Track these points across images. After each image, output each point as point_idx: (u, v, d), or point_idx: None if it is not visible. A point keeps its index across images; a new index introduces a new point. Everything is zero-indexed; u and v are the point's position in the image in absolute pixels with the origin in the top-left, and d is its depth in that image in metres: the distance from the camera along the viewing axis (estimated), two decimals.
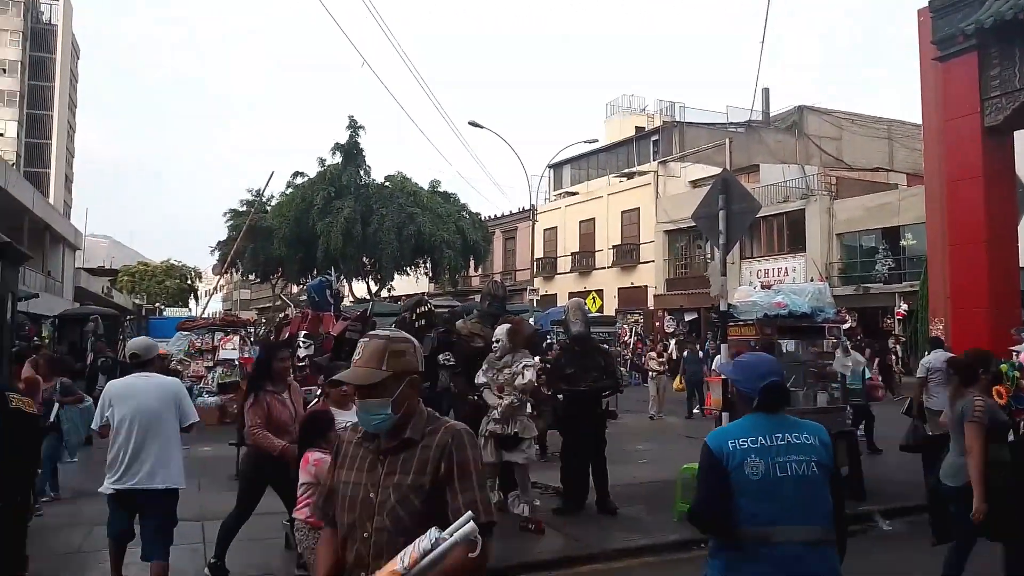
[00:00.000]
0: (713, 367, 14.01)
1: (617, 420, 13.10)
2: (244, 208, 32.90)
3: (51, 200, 56.42)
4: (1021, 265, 15.54)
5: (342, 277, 28.41)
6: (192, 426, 5.18)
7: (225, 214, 34.68)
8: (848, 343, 9.70)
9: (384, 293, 31.74)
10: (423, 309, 7.14)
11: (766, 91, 37.40)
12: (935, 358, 10.17)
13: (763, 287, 10.25)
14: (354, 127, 30.96)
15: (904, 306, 25.84)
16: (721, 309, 8.40)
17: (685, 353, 18.55)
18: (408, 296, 35.32)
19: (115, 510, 5.01)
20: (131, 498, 4.88)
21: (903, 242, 27.66)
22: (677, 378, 18.48)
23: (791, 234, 30.78)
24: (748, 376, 3.13)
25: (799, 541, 2.88)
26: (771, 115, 37.67)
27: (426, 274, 34.09)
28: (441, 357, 7.00)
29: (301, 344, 6.89)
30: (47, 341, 20.31)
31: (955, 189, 15.74)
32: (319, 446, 4.48)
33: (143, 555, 4.96)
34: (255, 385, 5.61)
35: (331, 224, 28.80)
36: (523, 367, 6.76)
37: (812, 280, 22.46)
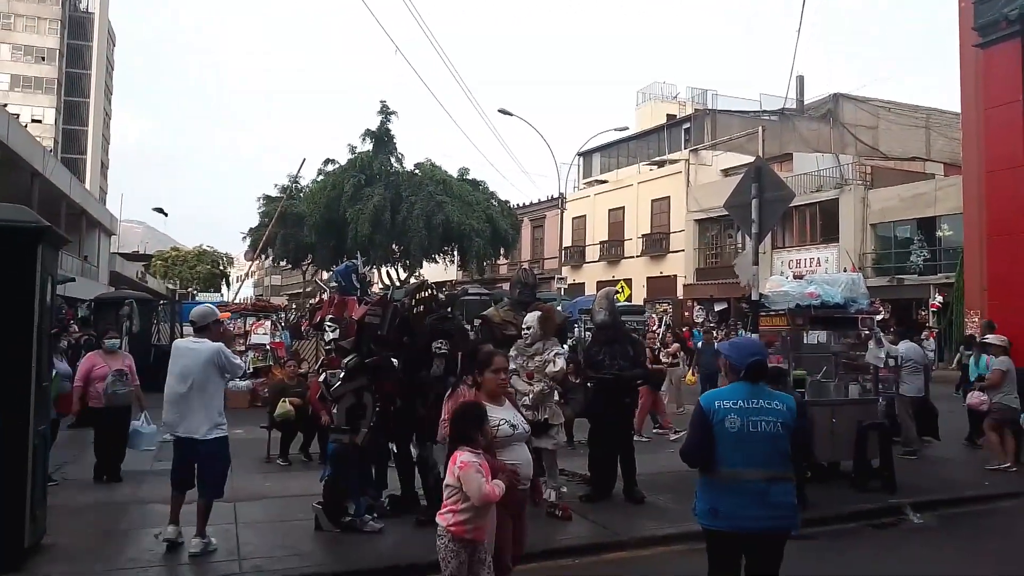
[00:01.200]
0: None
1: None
2: (278, 194, 33.23)
3: (87, 186, 57.37)
4: None
5: (370, 263, 28.58)
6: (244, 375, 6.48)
7: (259, 199, 35.06)
8: (881, 334, 9.56)
9: (412, 280, 31.89)
10: (424, 294, 7.07)
11: (801, 79, 36.80)
12: (907, 348, 10.33)
13: (795, 277, 10.14)
14: (386, 113, 31.03)
15: (939, 298, 25.43)
16: (752, 298, 8.32)
17: (700, 344, 18.16)
18: (440, 284, 35.50)
19: (176, 456, 5.94)
20: (186, 445, 5.81)
21: (939, 233, 27.18)
22: (690, 371, 18.18)
23: (824, 224, 30.38)
24: (740, 354, 4.08)
25: (762, 479, 3.83)
26: (805, 103, 37.07)
27: (453, 262, 34.17)
28: (435, 345, 6.90)
29: (327, 328, 6.91)
30: (77, 325, 20.67)
31: (994, 179, 15.42)
32: (469, 445, 4.00)
33: (176, 486, 5.97)
34: (459, 378, 5.20)
35: (360, 211, 28.94)
36: (554, 355, 6.76)
37: (845, 271, 22.17)
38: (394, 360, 6.85)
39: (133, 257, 58.25)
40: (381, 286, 28.89)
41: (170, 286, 55.29)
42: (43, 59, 71.52)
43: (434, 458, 7.07)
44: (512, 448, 4.35)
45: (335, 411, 6.67)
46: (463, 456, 3.95)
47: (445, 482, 4.03)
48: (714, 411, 3.90)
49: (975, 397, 9.93)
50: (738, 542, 3.90)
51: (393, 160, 31.65)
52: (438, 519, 4.06)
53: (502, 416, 4.38)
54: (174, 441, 5.94)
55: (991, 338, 10.32)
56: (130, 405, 8.42)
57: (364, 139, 31.32)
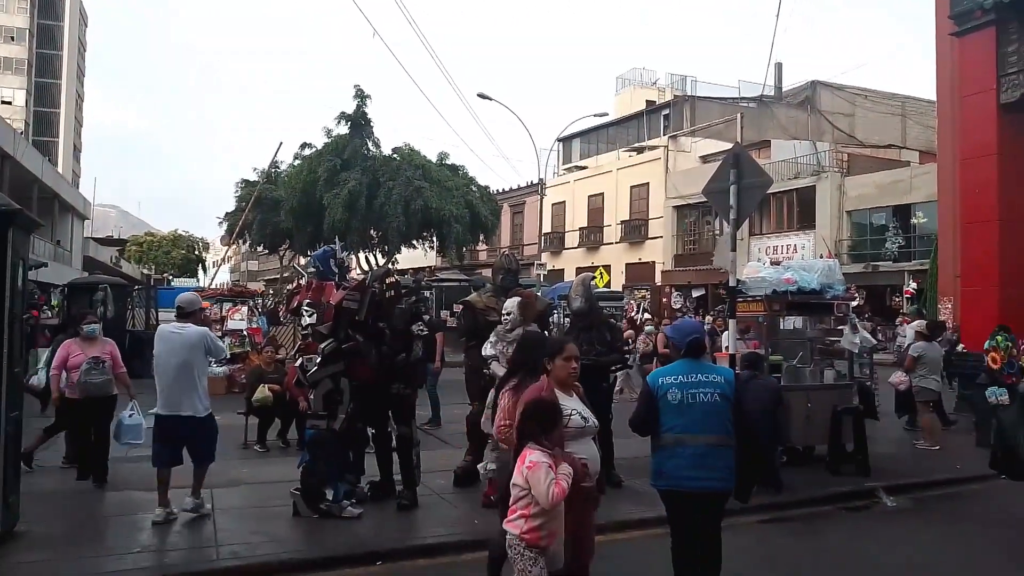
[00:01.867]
0: (723, 345, 13.80)
1: (623, 395, 13.22)
2: (257, 178, 32.90)
3: (59, 169, 56.46)
4: None
5: (347, 248, 28.37)
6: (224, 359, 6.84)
7: (237, 184, 34.70)
8: (856, 320, 9.68)
9: (390, 266, 31.70)
10: (391, 280, 7.11)
11: (779, 66, 37.04)
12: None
13: (772, 264, 10.22)
14: (361, 96, 30.72)
15: (913, 284, 25.74)
16: (730, 284, 8.37)
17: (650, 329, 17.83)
18: (416, 269, 35.26)
19: (160, 435, 6.29)
20: (175, 423, 6.22)
21: (914, 220, 27.48)
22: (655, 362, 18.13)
23: (801, 211, 30.61)
24: (680, 335, 4.66)
25: (703, 444, 4.29)
26: (783, 90, 37.30)
27: (432, 247, 34.03)
28: (415, 327, 6.98)
29: (305, 312, 6.88)
30: (56, 310, 20.44)
31: (969, 167, 15.60)
32: (540, 443, 3.77)
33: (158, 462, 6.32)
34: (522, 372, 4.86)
35: (336, 196, 28.70)
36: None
37: (821, 257, 22.36)
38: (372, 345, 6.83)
39: (107, 242, 57.52)
40: (360, 271, 28.74)
41: (145, 271, 54.66)
42: (12, 39, 70.08)
43: (417, 436, 7.10)
44: (581, 441, 4.16)
45: (312, 397, 6.65)
46: (533, 455, 3.72)
47: (512, 482, 3.81)
48: (658, 386, 4.42)
49: (896, 377, 10.52)
50: (683, 500, 4.39)
51: (371, 144, 31.38)
52: (508, 527, 3.80)
53: (573, 407, 4.19)
54: (156, 420, 6.31)
55: (913, 324, 10.90)
56: (110, 395, 7.63)
57: (339, 122, 31.02)
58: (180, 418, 6.22)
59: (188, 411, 6.24)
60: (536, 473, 3.66)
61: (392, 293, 6.93)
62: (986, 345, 10.85)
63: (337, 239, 10.30)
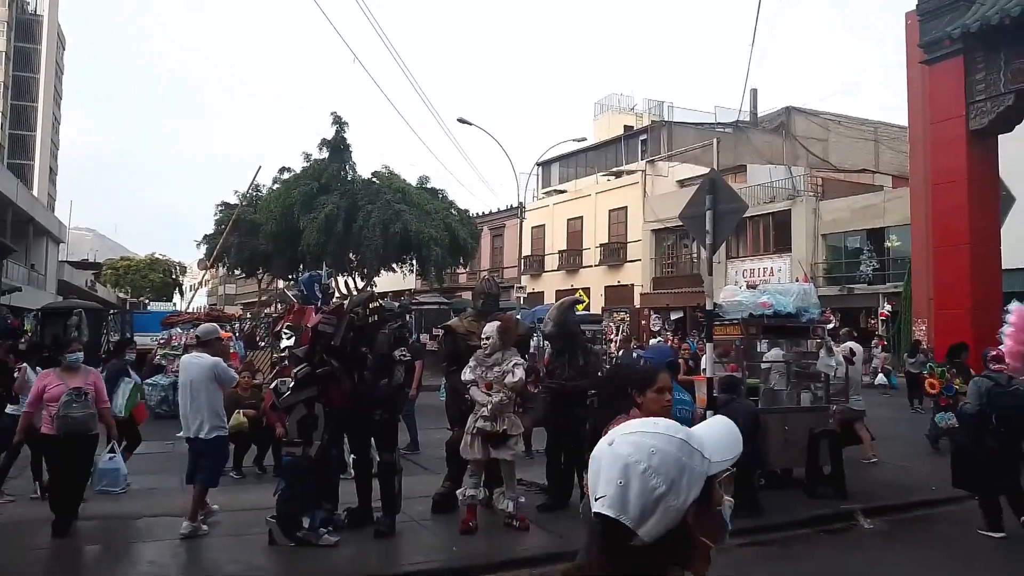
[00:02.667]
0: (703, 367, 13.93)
1: None
2: (237, 201, 32.76)
3: (35, 192, 55.89)
4: (1003, 267, 15.72)
5: (330, 274, 28.22)
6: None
7: (217, 206, 34.53)
8: (832, 343, 9.77)
9: (373, 290, 31.58)
10: (375, 304, 7.11)
11: (754, 92, 37.51)
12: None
13: (748, 287, 10.31)
14: (339, 123, 30.81)
15: (888, 307, 26.05)
16: (707, 308, 8.43)
17: (620, 352, 17.99)
18: (396, 293, 35.07)
19: (190, 455, 6.81)
20: (192, 444, 6.70)
21: (888, 243, 27.87)
22: None
23: (777, 234, 30.94)
24: (659, 357, 5.48)
25: None
26: (759, 116, 37.79)
27: (411, 270, 33.98)
28: (397, 353, 6.95)
29: (284, 335, 6.88)
30: (30, 335, 20.15)
31: (939, 192, 15.89)
32: None
33: (187, 480, 6.79)
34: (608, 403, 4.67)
35: (313, 220, 28.65)
36: (513, 365, 6.75)
37: (797, 280, 22.57)
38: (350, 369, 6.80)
39: (82, 265, 56.85)
40: (339, 295, 28.56)
41: (121, 295, 54.09)
42: None
43: (400, 463, 7.05)
44: None
45: (288, 423, 6.60)
46: None
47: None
48: None
49: None
50: None
51: (348, 168, 31.42)
52: None
53: None
54: (187, 440, 6.81)
55: (836, 348, 11.35)
56: (92, 432, 6.78)
57: (320, 148, 31.08)
58: (189, 439, 6.72)
59: (193, 432, 6.67)
60: None
61: (376, 318, 6.91)
62: (924, 372, 11.35)
63: (324, 264, 10.32)
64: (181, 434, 6.88)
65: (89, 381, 6.90)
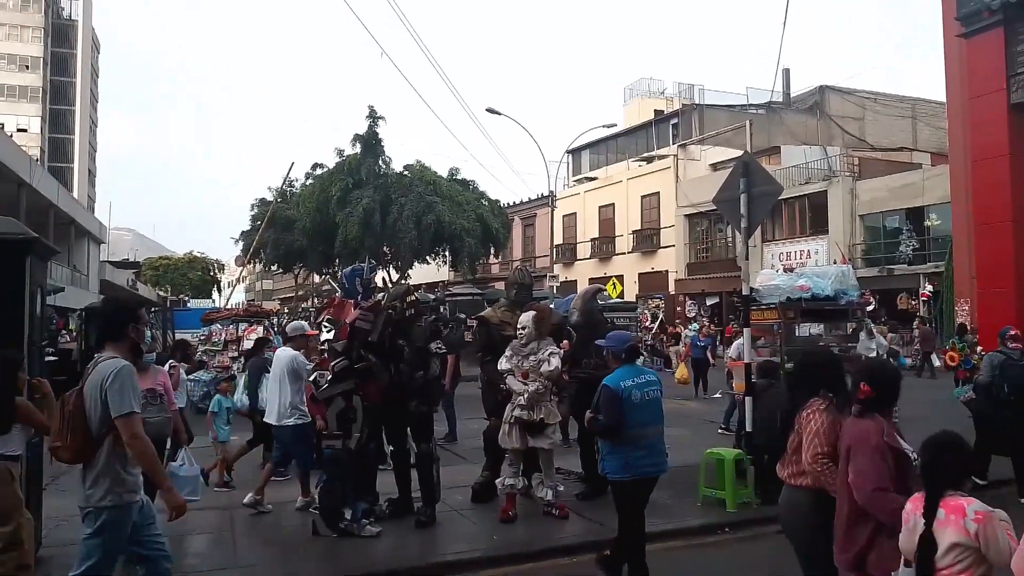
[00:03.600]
0: (730, 353, 13.96)
1: None
2: (271, 198, 33.21)
3: (75, 195, 57.07)
4: None
5: (374, 269, 28.47)
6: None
7: (253, 203, 35.02)
8: (872, 325, 9.63)
9: (409, 284, 31.79)
10: (412, 298, 7.18)
11: (787, 71, 36.94)
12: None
13: (785, 270, 10.20)
14: (374, 117, 30.98)
15: (929, 287, 25.54)
16: (743, 293, 8.35)
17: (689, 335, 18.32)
18: (430, 285, 35.34)
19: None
20: (275, 430, 7.34)
21: (927, 222, 27.30)
22: (680, 367, 18.31)
23: (813, 216, 30.47)
24: (618, 343, 5.41)
25: (654, 434, 5.19)
26: (792, 96, 37.21)
27: (444, 262, 34.14)
28: (433, 345, 7.02)
29: (324, 328, 6.99)
30: (74, 334, 20.62)
31: (980, 168, 15.53)
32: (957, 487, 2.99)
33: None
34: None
35: (350, 214, 28.90)
36: (549, 354, 6.76)
37: (835, 262, 22.24)
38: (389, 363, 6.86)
39: (123, 265, 57.97)
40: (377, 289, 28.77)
41: (161, 293, 55.09)
42: (27, 68, 71.09)
43: (436, 453, 7.10)
44: None
45: (327, 415, 6.67)
46: (977, 504, 2.85)
47: (952, 541, 2.84)
48: (622, 390, 5.09)
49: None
50: (641, 487, 5.18)
51: (381, 162, 31.61)
52: None
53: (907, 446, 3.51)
54: (272, 427, 7.38)
55: (875, 330, 11.69)
56: (166, 437, 6.24)
57: (354, 143, 31.31)
58: (272, 425, 7.35)
59: (275, 419, 7.23)
60: (994, 527, 2.77)
61: (412, 312, 6.98)
62: (946, 346, 11.81)
63: (367, 259, 10.42)
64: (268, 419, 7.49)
65: (159, 381, 6.36)
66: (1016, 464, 7.78)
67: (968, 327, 17.64)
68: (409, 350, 6.89)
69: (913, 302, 26.13)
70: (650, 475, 5.19)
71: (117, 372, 3.87)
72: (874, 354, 9.38)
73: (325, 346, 7.02)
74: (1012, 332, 8.23)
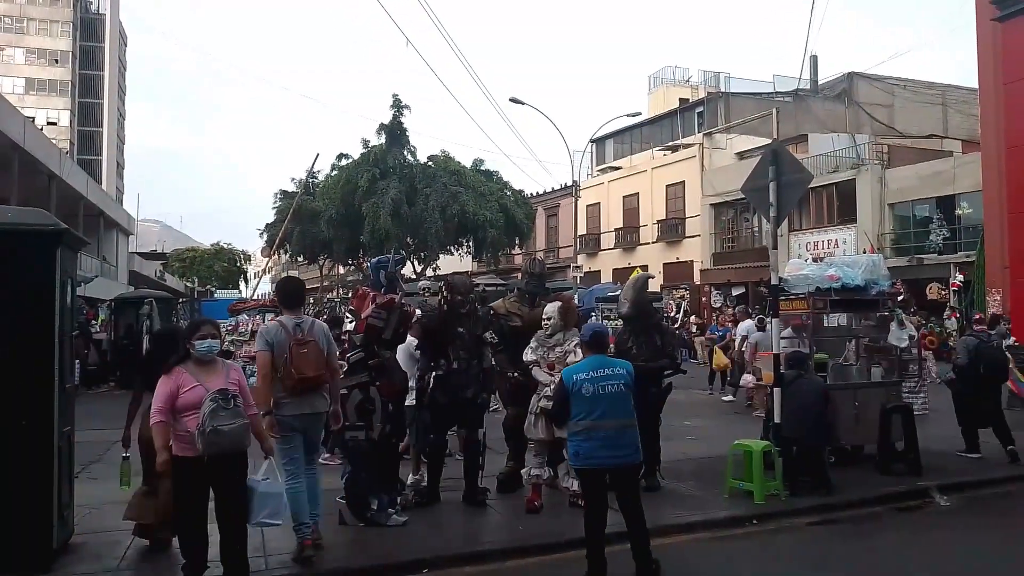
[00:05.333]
0: (741, 332, 13.83)
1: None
2: (295, 189, 33.39)
3: (104, 187, 57.79)
4: None
5: (399, 262, 28.59)
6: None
7: (275, 195, 35.22)
8: (903, 315, 9.50)
9: (428, 272, 31.90)
10: (475, 292, 7.32)
11: (814, 58, 36.37)
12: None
13: (814, 259, 10.08)
14: (398, 106, 31.00)
15: (960, 277, 25.13)
16: (772, 283, 8.24)
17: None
18: (453, 274, 35.51)
19: None
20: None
21: (958, 211, 26.85)
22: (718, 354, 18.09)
23: (841, 205, 30.08)
24: (586, 331, 5.74)
25: (613, 427, 5.20)
26: (819, 83, 36.67)
27: (469, 252, 34.16)
28: (488, 335, 7.09)
29: (346, 318, 7.02)
30: (104, 323, 20.90)
31: (1015, 155, 15.23)
32: None
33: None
34: None
35: (377, 205, 28.96)
36: (575, 345, 6.73)
37: (864, 252, 21.93)
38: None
39: (151, 256, 58.67)
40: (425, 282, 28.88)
41: (189, 284, 55.72)
42: (56, 62, 72.05)
43: (485, 441, 7.25)
44: None
45: (347, 407, 6.68)
46: None
47: None
48: (573, 383, 5.25)
49: (746, 379, 13.06)
50: (598, 476, 5.29)
51: (406, 153, 31.65)
52: None
53: None
54: None
55: (745, 322, 14.04)
56: (244, 448, 4.92)
57: (379, 133, 31.34)
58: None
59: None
60: None
61: (468, 307, 7.06)
62: (924, 330, 12.82)
63: (393, 251, 10.43)
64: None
65: (232, 379, 4.97)
66: (997, 429, 8.86)
67: (1001, 317, 17.35)
68: (469, 339, 6.99)
69: (944, 292, 25.71)
70: (605, 466, 5.26)
71: None
72: (905, 344, 9.25)
73: (346, 336, 7.03)
74: (977, 316, 9.87)
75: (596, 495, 5.33)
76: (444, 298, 7.17)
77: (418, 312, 7.39)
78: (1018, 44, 14.81)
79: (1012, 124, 15.35)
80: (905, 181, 28.34)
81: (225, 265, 61.00)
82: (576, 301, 8.89)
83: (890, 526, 6.86)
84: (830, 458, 8.14)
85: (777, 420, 7.59)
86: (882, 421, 8.30)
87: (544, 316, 6.93)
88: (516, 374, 7.14)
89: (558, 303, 7.00)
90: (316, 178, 33.21)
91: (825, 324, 9.45)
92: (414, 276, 30.18)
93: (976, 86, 22.04)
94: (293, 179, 35.05)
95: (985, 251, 20.71)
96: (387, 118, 31.33)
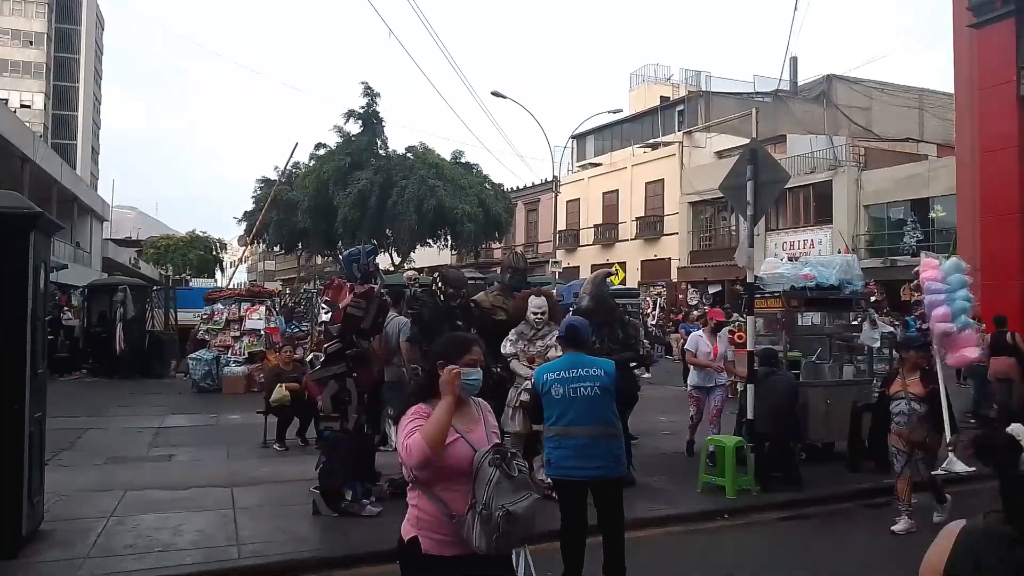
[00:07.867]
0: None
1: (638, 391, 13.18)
2: (276, 177, 33.13)
3: (78, 172, 56.96)
4: None
5: (372, 253, 28.44)
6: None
7: (257, 182, 34.91)
8: (876, 315, 9.61)
9: (406, 265, 31.79)
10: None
11: (794, 60, 36.67)
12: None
13: (789, 259, 10.17)
14: (370, 95, 30.78)
15: None
16: (747, 281, 8.32)
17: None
18: (431, 268, 35.43)
19: None
20: None
21: (932, 214, 27.21)
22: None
23: (818, 205, 30.37)
24: (560, 329, 5.24)
25: (584, 436, 4.56)
26: (799, 85, 37.00)
27: (446, 245, 34.06)
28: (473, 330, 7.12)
29: (322, 309, 6.99)
30: (76, 311, 20.62)
31: (988, 159, 15.45)
32: None
33: None
34: None
35: (348, 195, 28.81)
36: (556, 339, 6.77)
37: (839, 252, 22.16)
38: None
39: (125, 243, 57.98)
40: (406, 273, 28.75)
41: (163, 272, 55.09)
42: (31, 43, 70.76)
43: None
44: None
45: (323, 397, 6.67)
46: None
47: None
48: (543, 383, 4.75)
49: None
50: (572, 488, 4.67)
51: (379, 142, 31.44)
52: None
53: None
54: None
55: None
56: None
57: (347, 120, 31.07)
58: None
59: None
60: None
61: (460, 300, 7.06)
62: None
63: (363, 243, 10.39)
64: None
65: (492, 425, 3.10)
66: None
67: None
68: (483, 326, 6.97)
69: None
70: (575, 478, 4.59)
71: None
72: (877, 344, 9.37)
73: (322, 327, 7.01)
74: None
75: (569, 509, 4.71)
76: (441, 291, 7.10)
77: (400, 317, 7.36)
78: (992, 51, 15.03)
79: (986, 129, 15.56)
80: (881, 183, 28.67)
81: (200, 254, 60.35)
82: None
83: (859, 522, 6.97)
84: (801, 454, 8.25)
85: (750, 416, 7.68)
86: (852, 419, 8.42)
87: (537, 308, 6.91)
88: (497, 368, 7.12)
89: (545, 297, 7.05)
90: (298, 168, 32.97)
91: (799, 322, 9.56)
92: (391, 268, 30.06)
93: (952, 91, 22.33)
94: (276, 167, 34.83)
95: (957, 254, 21.01)
96: (359, 105, 31.10)
